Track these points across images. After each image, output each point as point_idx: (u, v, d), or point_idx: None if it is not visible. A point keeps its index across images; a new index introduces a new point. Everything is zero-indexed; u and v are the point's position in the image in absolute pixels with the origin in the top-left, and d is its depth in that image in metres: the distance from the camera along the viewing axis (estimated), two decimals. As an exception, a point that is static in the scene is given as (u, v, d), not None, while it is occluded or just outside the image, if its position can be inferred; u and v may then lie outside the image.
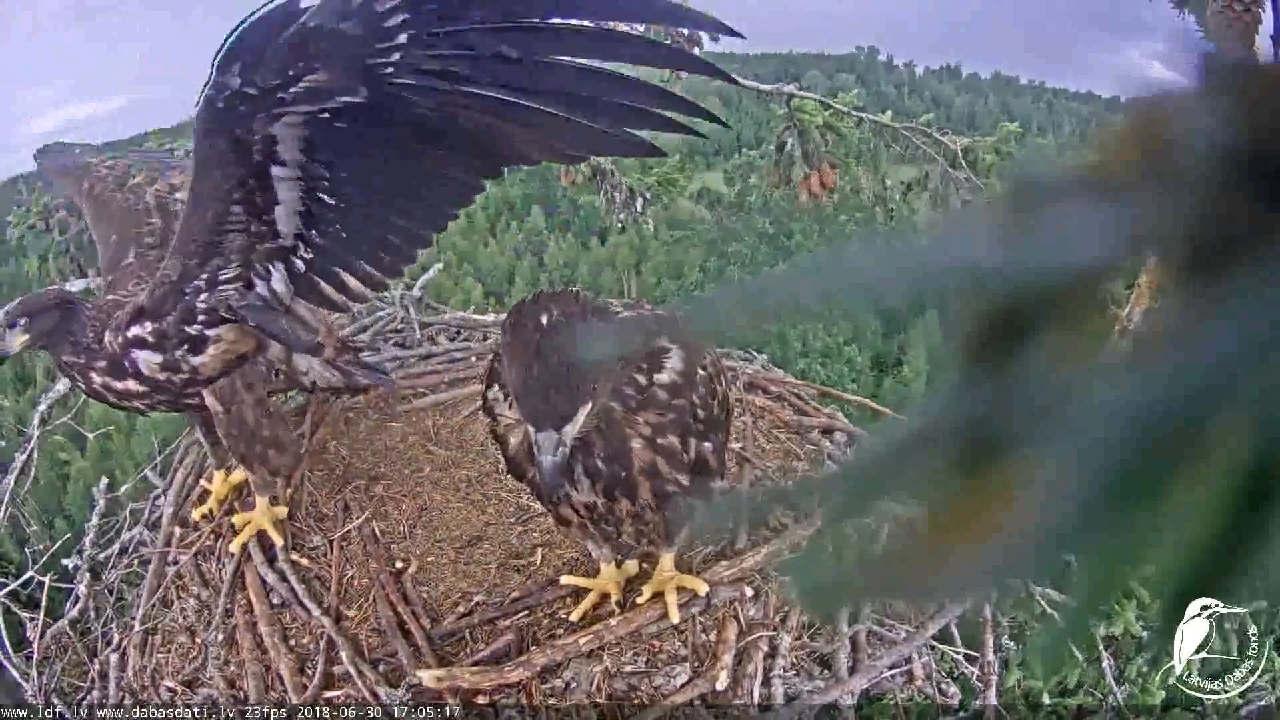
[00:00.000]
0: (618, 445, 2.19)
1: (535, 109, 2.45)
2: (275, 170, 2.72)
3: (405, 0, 2.35)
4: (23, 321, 2.88)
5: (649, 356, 2.23)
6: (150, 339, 2.92)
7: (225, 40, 2.43)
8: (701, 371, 2.30)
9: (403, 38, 2.38)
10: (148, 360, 2.94)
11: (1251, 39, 3.39)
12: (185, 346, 2.94)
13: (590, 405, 2.00)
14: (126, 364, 2.94)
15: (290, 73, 2.44)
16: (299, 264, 2.93)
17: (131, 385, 2.97)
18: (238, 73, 2.46)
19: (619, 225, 5.94)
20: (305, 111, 2.55)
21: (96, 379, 2.96)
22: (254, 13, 2.40)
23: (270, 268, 2.93)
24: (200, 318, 2.93)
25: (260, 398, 3.11)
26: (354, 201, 2.81)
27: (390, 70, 2.42)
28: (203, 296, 2.91)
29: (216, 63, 2.46)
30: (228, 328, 2.96)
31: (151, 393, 3.01)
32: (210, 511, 3.42)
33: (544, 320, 1.98)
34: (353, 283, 2.94)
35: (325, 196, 2.80)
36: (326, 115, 2.56)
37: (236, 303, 2.92)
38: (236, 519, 3.28)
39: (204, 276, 2.90)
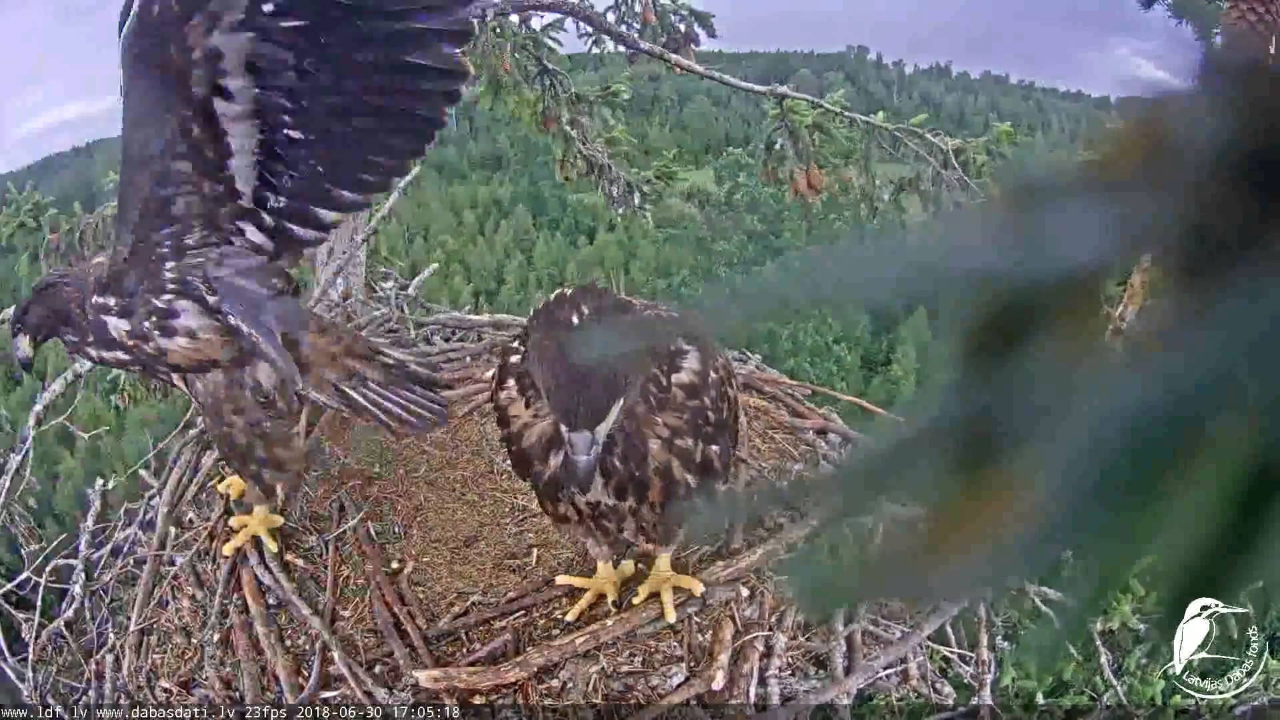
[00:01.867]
0: (637, 445, 2.18)
1: None
2: (221, 107, 2.43)
3: None
4: (20, 324, 2.84)
5: (669, 356, 2.22)
6: (115, 307, 2.77)
7: None
8: (714, 374, 2.29)
9: None
10: (117, 326, 2.78)
11: (1267, 44, 3.37)
12: (153, 319, 2.74)
13: (622, 402, 1.99)
14: (105, 333, 2.80)
15: None
16: (267, 219, 2.67)
17: (119, 354, 2.84)
18: None
19: (619, 219, 5.99)
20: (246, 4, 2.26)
21: (93, 352, 2.87)
22: None
23: (240, 225, 2.66)
24: (170, 288, 2.71)
25: (253, 420, 2.94)
26: (326, 127, 2.48)
27: None
28: (169, 265, 2.69)
29: None
30: (202, 324, 2.76)
31: (134, 361, 2.86)
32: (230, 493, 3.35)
33: (575, 318, 1.97)
34: (326, 213, 2.68)
35: (291, 132, 2.49)
36: (270, 9, 2.27)
37: (212, 272, 2.69)
38: (234, 521, 3.26)
39: (167, 245, 2.66)
